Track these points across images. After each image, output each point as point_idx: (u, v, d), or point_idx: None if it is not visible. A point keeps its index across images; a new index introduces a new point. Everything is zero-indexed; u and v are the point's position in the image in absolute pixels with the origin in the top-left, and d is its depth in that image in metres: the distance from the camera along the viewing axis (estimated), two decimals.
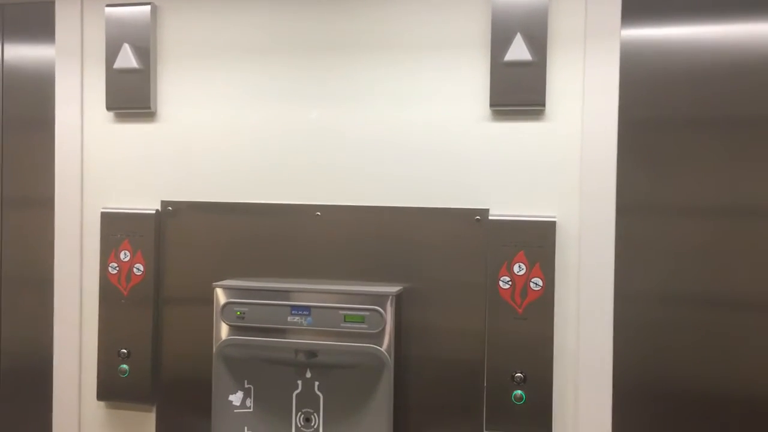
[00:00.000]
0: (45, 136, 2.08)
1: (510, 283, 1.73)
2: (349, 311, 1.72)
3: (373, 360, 1.71)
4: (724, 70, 1.66)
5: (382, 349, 1.70)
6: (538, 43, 1.72)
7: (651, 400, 1.71)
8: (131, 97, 1.98)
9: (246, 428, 1.80)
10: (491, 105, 1.76)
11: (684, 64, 1.69)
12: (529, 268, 1.72)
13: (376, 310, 1.71)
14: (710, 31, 1.68)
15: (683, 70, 1.69)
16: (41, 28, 2.09)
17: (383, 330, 1.71)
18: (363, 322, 1.71)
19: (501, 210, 1.77)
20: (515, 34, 1.71)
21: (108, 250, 1.99)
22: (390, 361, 1.71)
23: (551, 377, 1.72)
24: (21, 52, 2.14)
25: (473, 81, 1.78)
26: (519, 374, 1.72)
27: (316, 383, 1.78)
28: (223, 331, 1.80)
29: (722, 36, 1.67)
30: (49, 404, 2.08)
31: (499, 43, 1.73)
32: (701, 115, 1.69)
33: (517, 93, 1.73)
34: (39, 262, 2.09)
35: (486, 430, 1.76)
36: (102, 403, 2.03)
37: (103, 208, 2.01)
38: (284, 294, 1.77)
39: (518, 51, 1.71)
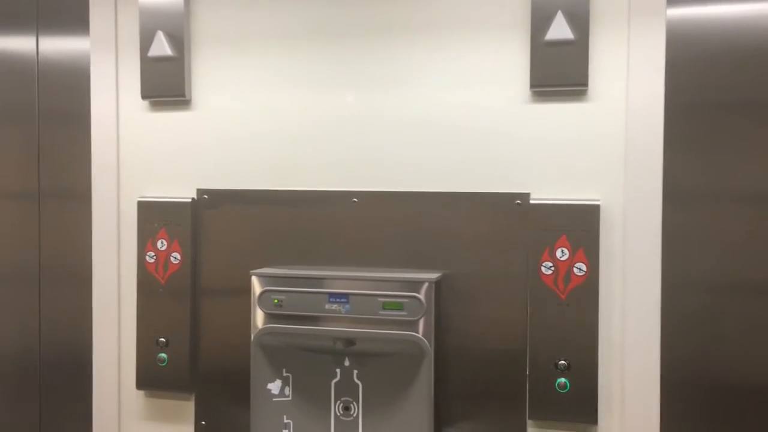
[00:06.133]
0: (81, 127, 2.08)
1: (552, 268, 1.68)
2: (388, 298, 1.69)
3: (413, 348, 1.68)
4: None
5: (421, 337, 1.67)
6: (580, 20, 1.66)
7: (700, 391, 1.65)
8: (166, 85, 1.97)
9: (285, 417, 1.78)
10: (532, 86, 1.71)
11: (733, 44, 1.62)
12: (572, 253, 1.67)
13: (415, 297, 1.68)
14: (760, 8, 1.60)
15: (732, 50, 1.62)
16: (76, 18, 2.09)
17: (422, 317, 1.68)
18: (402, 309, 1.68)
19: (542, 194, 1.72)
20: (556, 11, 1.66)
21: (145, 239, 1.99)
22: (430, 348, 1.68)
23: (596, 365, 1.67)
24: (56, 45, 2.15)
25: (512, 62, 1.74)
26: (563, 362, 1.68)
27: (355, 371, 1.76)
28: (261, 319, 1.78)
29: None
30: (89, 394, 2.09)
31: (540, 21, 1.68)
32: (751, 97, 1.62)
33: (559, 73, 1.68)
34: (77, 253, 2.10)
35: (529, 419, 1.72)
36: (141, 392, 2.04)
37: (139, 197, 2.01)
38: (322, 281, 1.75)
39: (559, 29, 1.66)
